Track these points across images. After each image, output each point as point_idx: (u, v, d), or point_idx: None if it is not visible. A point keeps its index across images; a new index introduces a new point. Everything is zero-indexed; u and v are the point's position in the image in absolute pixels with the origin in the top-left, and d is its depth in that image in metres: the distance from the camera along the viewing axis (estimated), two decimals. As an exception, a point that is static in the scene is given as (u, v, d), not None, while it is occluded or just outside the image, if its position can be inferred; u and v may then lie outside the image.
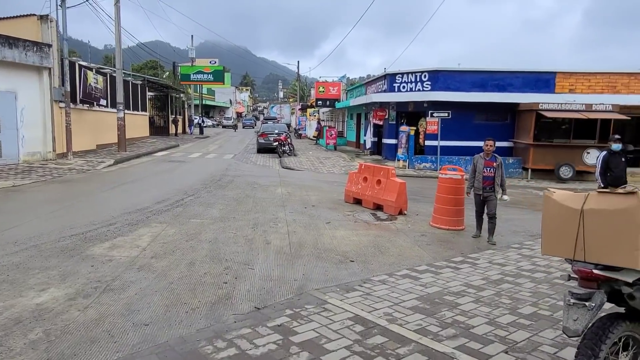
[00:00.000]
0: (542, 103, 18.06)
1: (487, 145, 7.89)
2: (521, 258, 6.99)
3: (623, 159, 8.19)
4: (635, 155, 20.82)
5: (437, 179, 9.06)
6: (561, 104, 18.04)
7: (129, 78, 27.42)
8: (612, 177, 8.05)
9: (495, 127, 20.30)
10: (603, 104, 17.98)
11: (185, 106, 45.60)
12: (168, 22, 53.32)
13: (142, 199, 10.57)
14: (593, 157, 17.97)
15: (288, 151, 23.37)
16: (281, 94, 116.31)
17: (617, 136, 8.11)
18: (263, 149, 25.03)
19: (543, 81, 20.02)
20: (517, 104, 19.33)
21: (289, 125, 53.39)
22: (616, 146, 8.04)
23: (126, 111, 24.90)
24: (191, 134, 42.79)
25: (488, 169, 7.88)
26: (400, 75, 21.19)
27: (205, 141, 34.61)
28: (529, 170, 18.48)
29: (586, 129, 18.66)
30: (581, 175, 18.41)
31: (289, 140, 23.93)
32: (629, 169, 21.23)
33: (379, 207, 10.36)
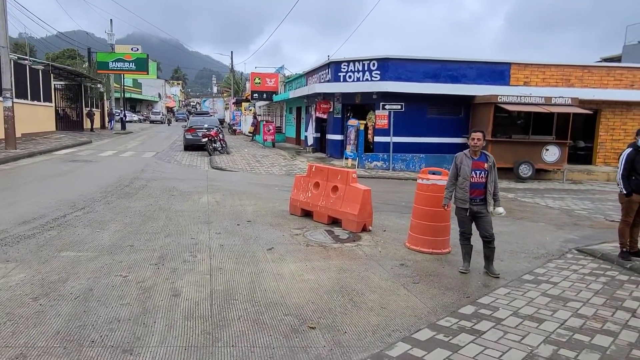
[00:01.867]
0: (501, 95, 16.56)
1: (475, 139, 5.69)
2: (553, 302, 4.86)
3: (654, 158, 6.41)
4: (587, 151, 20.12)
5: (416, 186, 6.80)
6: (520, 96, 16.64)
7: (26, 62, 23.13)
8: (638, 182, 6.22)
9: (449, 122, 18.68)
10: (562, 97, 16.79)
11: (105, 98, 40.88)
12: (91, 9, 48.03)
13: (1, 217, 7.46)
14: (552, 155, 16.78)
15: (220, 148, 20.46)
16: (215, 89, 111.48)
17: (646, 128, 6.32)
18: (191, 146, 21.91)
19: (498, 72, 18.62)
20: (472, 97, 17.77)
21: (222, 121, 50.00)
22: (645, 141, 6.24)
23: (21, 101, 20.78)
24: (111, 129, 38.28)
25: (478, 172, 5.68)
26: (346, 64, 18.99)
27: (125, 137, 30.64)
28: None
29: (544, 125, 17.45)
30: (540, 173, 17.15)
31: (220, 136, 21.02)
32: (582, 166, 20.64)
33: (335, 222, 7.97)
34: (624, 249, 6.50)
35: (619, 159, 6.60)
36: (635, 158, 6.33)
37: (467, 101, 18.13)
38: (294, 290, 4.82)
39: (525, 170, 16.60)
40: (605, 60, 32.04)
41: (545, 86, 18.46)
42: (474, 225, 5.80)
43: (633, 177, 6.36)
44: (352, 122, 17.14)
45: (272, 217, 8.36)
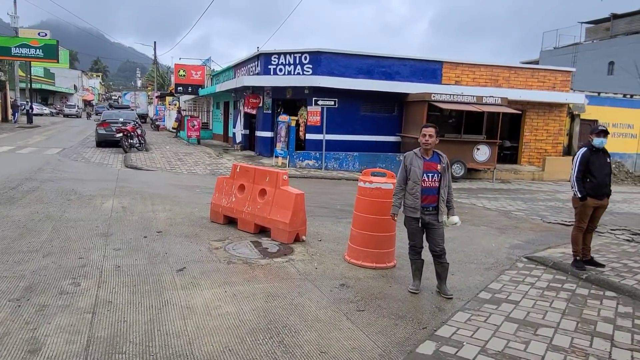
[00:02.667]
0: (434, 93, 16.27)
1: (426, 135, 4.86)
2: (521, 329, 4.11)
3: (608, 160, 5.96)
4: (512, 151, 20.54)
5: (357, 189, 5.86)
6: (452, 95, 16.45)
7: None
8: (594, 185, 5.74)
9: (382, 120, 18.17)
10: (493, 96, 16.84)
11: (7, 88, 36.56)
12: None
13: None
14: (483, 154, 16.77)
15: (137, 145, 18.53)
16: (139, 83, 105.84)
17: (601, 127, 5.84)
18: (104, 142, 19.71)
19: (430, 71, 18.38)
20: (405, 94, 17.36)
21: (145, 116, 46.82)
22: (599, 141, 5.76)
23: None
24: (15, 122, 34.29)
25: (430, 175, 4.85)
26: (277, 56, 17.86)
27: (31, 131, 27.34)
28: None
29: (474, 124, 17.43)
30: (471, 173, 17.10)
31: (138, 131, 19.06)
32: (509, 166, 21.09)
33: (264, 230, 6.87)
34: (577, 257, 6.01)
35: (572, 159, 6.10)
36: (590, 158, 5.84)
37: (400, 99, 17.72)
38: (207, 331, 3.68)
39: (457, 169, 16.45)
40: (524, 64, 33.38)
41: (475, 86, 18.49)
42: (427, 240, 4.97)
43: (588, 180, 5.87)
44: (283, 118, 16.08)
45: (189, 226, 7.09)
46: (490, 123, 17.31)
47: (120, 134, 17.75)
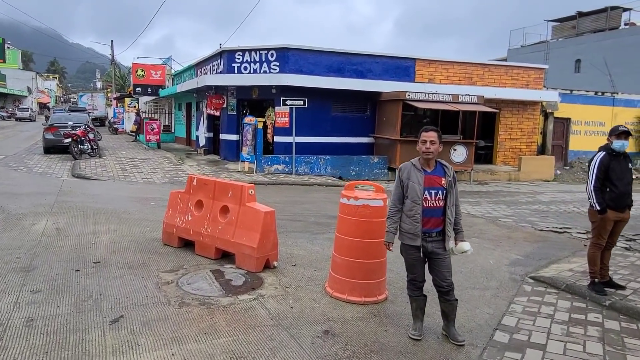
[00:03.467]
0: (409, 92, 15.44)
1: (427, 142, 3.84)
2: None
3: (630, 165, 5.15)
4: (487, 151, 20.01)
5: (339, 207, 4.81)
6: (427, 93, 15.67)
7: None
8: (615, 195, 4.90)
9: (355, 120, 17.25)
10: (469, 94, 16.17)
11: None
12: None
13: None
14: (460, 155, 16.07)
15: (89, 151, 16.94)
16: (99, 84, 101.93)
17: (622, 127, 5.02)
18: (52, 148, 17.97)
19: (403, 68, 17.57)
20: (378, 93, 16.48)
21: (103, 119, 44.45)
22: (620, 144, 4.92)
23: None
24: (-44, 127, 31.67)
25: (433, 192, 3.81)
26: (241, 53, 16.66)
27: (-28, 137, 25.11)
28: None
29: (449, 123, 16.74)
30: (448, 174, 16.34)
31: (90, 136, 17.45)
32: (485, 166, 20.52)
33: (227, 255, 5.75)
34: (595, 279, 5.16)
35: (588, 166, 5.26)
36: (610, 164, 5.01)
37: (373, 98, 16.83)
38: None
39: (434, 171, 15.66)
40: (497, 62, 33.24)
41: (449, 84, 17.81)
42: (427, 268, 3.98)
43: (608, 189, 5.04)
44: (249, 119, 14.90)
45: (136, 252, 5.88)
46: (465, 122, 16.67)
47: (69, 139, 16.14)
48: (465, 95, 16.04)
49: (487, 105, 16.36)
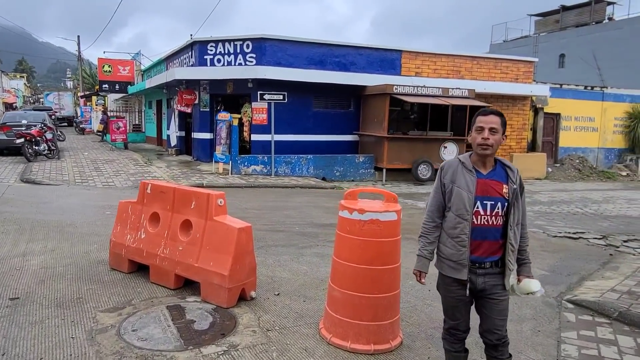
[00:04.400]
0: (397, 85, 14.34)
1: (485, 130, 2.63)
2: None
3: None
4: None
5: (338, 222, 3.59)
6: (416, 87, 14.61)
7: None
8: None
9: (338, 117, 16.09)
10: (459, 88, 15.18)
11: None
12: None
13: None
14: (451, 152, 15.07)
15: (46, 152, 15.32)
16: (70, 84, 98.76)
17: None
18: (5, 149, 16.28)
19: (388, 61, 16.48)
20: (363, 87, 15.35)
21: (70, 118, 42.23)
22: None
23: None
24: None
25: (489, 203, 2.62)
26: (214, 44, 15.29)
27: None
28: (384, 171, 14.62)
29: (437, 119, 15.73)
30: (435, 174, 15.29)
31: (47, 135, 15.83)
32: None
33: (190, 283, 4.47)
34: (659, 307, 4.10)
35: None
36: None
37: (357, 92, 15.70)
38: None
39: (424, 171, 14.65)
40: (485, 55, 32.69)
41: (437, 77, 16.81)
42: (479, 316, 2.79)
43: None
44: (223, 116, 13.55)
45: (72, 281, 4.55)
46: (453, 118, 15.70)
47: (22, 139, 14.50)
48: (456, 89, 15.05)
49: (478, 100, 15.39)
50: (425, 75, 16.81)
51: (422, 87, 14.59)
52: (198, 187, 11.47)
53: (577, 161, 19.46)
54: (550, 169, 18.56)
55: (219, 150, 13.53)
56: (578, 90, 19.97)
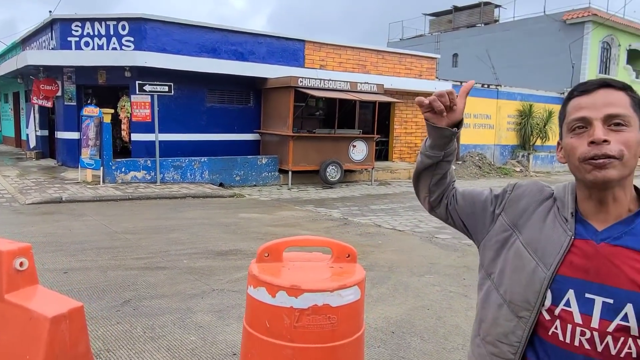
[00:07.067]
0: (302, 78, 12.84)
1: (595, 123, 1.05)
2: None
3: None
4: (382, 146, 18.36)
5: (246, 310, 1.89)
6: (322, 80, 13.25)
7: None
8: None
9: (236, 113, 14.23)
10: (368, 83, 14.13)
11: None
12: None
13: None
14: (360, 152, 13.99)
15: None
16: None
17: None
18: None
19: (291, 52, 14.97)
20: (264, 80, 13.66)
21: None
22: None
23: None
24: None
25: (601, 301, 1.05)
26: (81, 24, 12.52)
27: None
28: (289, 174, 13.06)
29: (344, 117, 14.57)
30: (346, 175, 14.15)
31: None
32: (382, 163, 18.50)
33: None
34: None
35: None
36: None
37: (257, 85, 13.97)
38: None
39: (333, 172, 13.35)
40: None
41: (343, 71, 15.70)
42: None
43: None
44: (90, 110, 10.95)
45: None
46: (360, 115, 14.68)
47: None
48: (365, 83, 13.97)
49: (387, 95, 14.50)
50: (330, 68, 15.59)
51: (328, 80, 13.26)
52: (54, 202, 8.88)
53: (477, 158, 19.65)
54: (454, 167, 18.43)
55: (87, 154, 10.90)
56: (476, 87, 20.18)
